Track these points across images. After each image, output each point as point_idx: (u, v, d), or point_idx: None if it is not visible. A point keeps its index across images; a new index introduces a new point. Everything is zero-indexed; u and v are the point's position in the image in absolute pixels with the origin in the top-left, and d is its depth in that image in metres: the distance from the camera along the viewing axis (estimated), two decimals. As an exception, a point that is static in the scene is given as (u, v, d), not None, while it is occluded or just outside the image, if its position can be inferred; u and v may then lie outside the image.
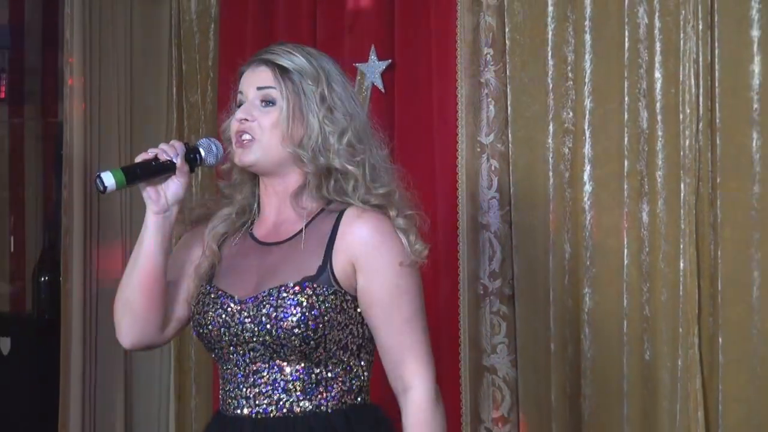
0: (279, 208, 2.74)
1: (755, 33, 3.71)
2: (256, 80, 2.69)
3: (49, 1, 5.30)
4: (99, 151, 4.66)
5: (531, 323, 4.11)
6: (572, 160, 4.05)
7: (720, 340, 3.79)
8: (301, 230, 2.70)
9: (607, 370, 3.99)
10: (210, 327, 2.69)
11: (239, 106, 2.71)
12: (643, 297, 3.93)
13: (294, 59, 2.69)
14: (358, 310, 2.66)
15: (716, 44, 3.78)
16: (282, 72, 2.67)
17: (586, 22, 3.99)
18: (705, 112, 3.80)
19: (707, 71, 3.79)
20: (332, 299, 2.61)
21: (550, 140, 4.08)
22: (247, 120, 2.65)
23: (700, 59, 3.79)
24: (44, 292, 4.93)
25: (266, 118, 2.65)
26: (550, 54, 4.06)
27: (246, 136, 2.65)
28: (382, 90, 4.31)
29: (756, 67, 3.72)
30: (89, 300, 4.64)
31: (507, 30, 4.12)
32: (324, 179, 2.68)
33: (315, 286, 2.60)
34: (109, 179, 2.60)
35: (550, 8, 4.04)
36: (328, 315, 2.60)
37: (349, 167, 2.65)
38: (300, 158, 2.65)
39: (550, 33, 4.06)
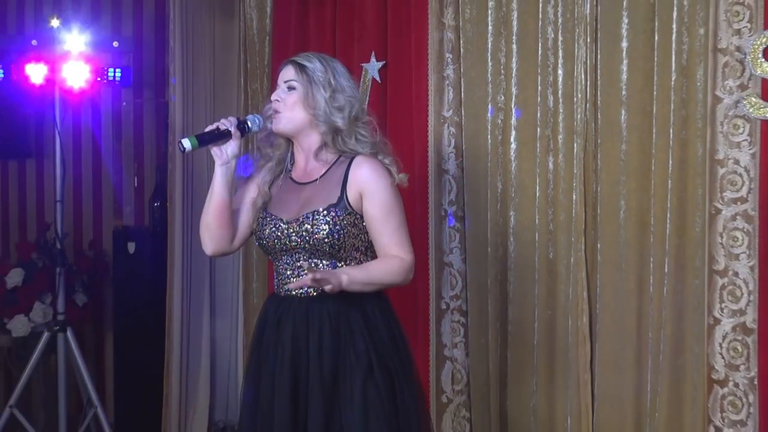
0: (307, 160, 2.81)
1: (624, 44, 3.71)
2: (285, 75, 2.79)
3: (159, 19, 5.28)
4: (192, 121, 4.68)
5: (475, 234, 4.12)
6: (503, 128, 4.04)
7: (599, 245, 3.83)
8: (325, 172, 2.76)
9: (524, 265, 4.01)
10: (268, 239, 2.76)
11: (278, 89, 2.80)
12: (549, 217, 3.94)
13: (311, 61, 2.77)
14: (365, 224, 2.72)
15: (598, 52, 3.78)
16: (301, 69, 2.75)
17: (513, 37, 3.97)
18: (591, 96, 3.81)
19: (592, 70, 3.79)
20: (348, 218, 2.68)
21: (488, 115, 4.06)
22: (278, 100, 2.75)
23: (588, 62, 3.79)
24: (156, 212, 4.95)
25: (289, 98, 2.73)
26: (489, 58, 4.04)
27: (278, 110, 2.74)
28: (379, 81, 4.29)
29: (624, 67, 3.72)
30: (186, 219, 4.66)
31: (461, 42, 4.09)
32: (333, 138, 2.74)
33: (336, 210, 2.67)
34: (186, 143, 2.74)
35: (490, 28, 4.02)
36: (346, 228, 2.67)
37: (347, 129, 2.73)
38: (314, 124, 2.72)
39: (490, 44, 4.04)
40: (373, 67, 4.30)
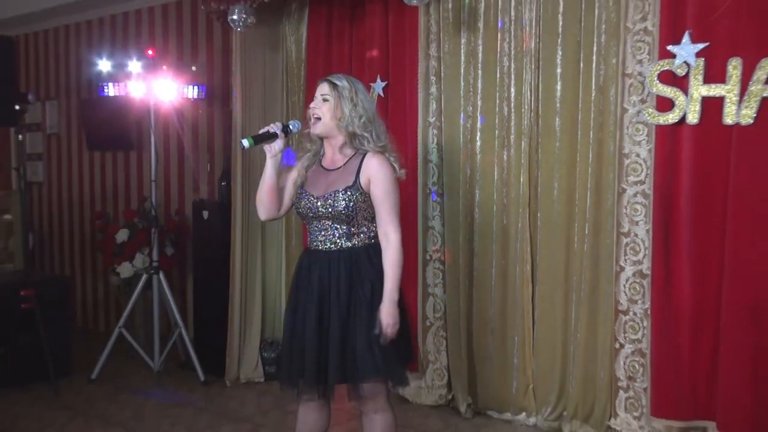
0: (333, 153, 2.77)
1: (558, 70, 3.72)
2: (321, 90, 2.74)
3: (225, 50, 5.25)
4: (249, 125, 4.66)
5: (451, 206, 4.12)
6: (471, 130, 4.03)
7: (538, 214, 3.85)
8: (345, 163, 2.74)
9: (486, 228, 4.01)
10: (303, 209, 2.75)
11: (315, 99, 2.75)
12: (503, 194, 3.95)
13: (340, 80, 2.72)
14: (372, 200, 2.70)
15: (540, 76, 3.78)
16: (333, 86, 2.70)
17: (479, 65, 3.96)
18: (534, 107, 3.81)
19: (535, 89, 3.80)
20: (359, 195, 2.66)
21: (461, 120, 4.05)
22: (316, 108, 2.70)
23: (532, 82, 3.80)
24: (224, 189, 4.95)
25: (324, 107, 2.70)
26: (461, 79, 4.03)
27: (316, 115, 2.71)
28: (383, 96, 4.28)
29: (558, 87, 3.73)
30: (245, 194, 4.65)
31: (442, 68, 4.08)
32: (353, 139, 2.71)
33: (351, 190, 2.65)
34: (245, 143, 2.71)
35: (462, 58, 4.00)
36: (358, 203, 2.65)
37: (364, 133, 2.69)
38: (340, 128, 2.69)
39: (462, 69, 4.02)
40: (378, 86, 4.29)
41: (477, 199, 4.02)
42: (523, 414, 3.91)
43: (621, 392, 3.57)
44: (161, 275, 4.95)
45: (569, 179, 3.72)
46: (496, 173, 3.95)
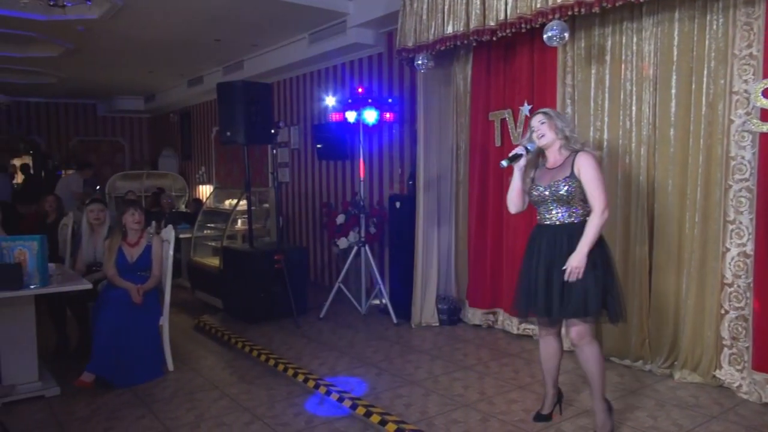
0: (554, 156, 2.78)
1: (673, 91, 3.51)
2: (537, 119, 2.77)
3: (412, 86, 5.33)
4: (429, 139, 4.69)
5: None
6: (598, 140, 3.86)
7: (655, 205, 3.63)
8: (563, 162, 2.73)
9: (610, 217, 3.76)
10: (534, 197, 2.78)
11: (532, 128, 2.76)
12: (625, 191, 3.74)
13: (548, 111, 2.76)
14: (582, 185, 2.67)
15: (657, 96, 3.57)
16: (544, 114, 2.75)
17: (606, 89, 3.76)
18: (652, 121, 3.61)
19: (653, 107, 3.59)
20: (575, 183, 2.66)
21: (591, 133, 3.88)
22: (539, 130, 2.73)
23: (650, 102, 3.60)
24: (411, 187, 4.98)
25: (544, 127, 2.73)
26: (591, 101, 3.87)
27: (541, 135, 2.74)
28: (529, 116, 4.12)
29: (673, 104, 3.50)
30: (426, 190, 4.69)
31: (575, 93, 3.94)
32: (568, 140, 2.73)
33: (569, 179, 2.67)
34: (504, 163, 2.77)
35: (592, 84, 3.84)
36: (574, 188, 2.66)
37: (573, 135, 2.72)
38: (558, 136, 2.72)
39: (592, 93, 3.86)
40: (525, 109, 4.25)
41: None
42: (640, 361, 3.74)
43: (725, 349, 3.33)
44: (367, 247, 5.18)
45: (682, 177, 3.50)
46: (619, 174, 3.78)
